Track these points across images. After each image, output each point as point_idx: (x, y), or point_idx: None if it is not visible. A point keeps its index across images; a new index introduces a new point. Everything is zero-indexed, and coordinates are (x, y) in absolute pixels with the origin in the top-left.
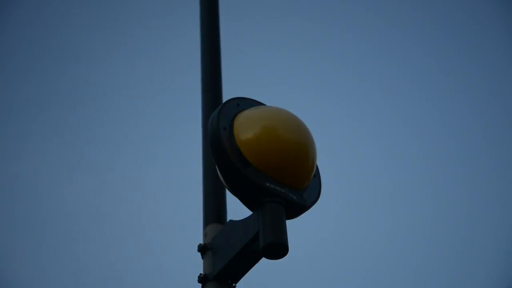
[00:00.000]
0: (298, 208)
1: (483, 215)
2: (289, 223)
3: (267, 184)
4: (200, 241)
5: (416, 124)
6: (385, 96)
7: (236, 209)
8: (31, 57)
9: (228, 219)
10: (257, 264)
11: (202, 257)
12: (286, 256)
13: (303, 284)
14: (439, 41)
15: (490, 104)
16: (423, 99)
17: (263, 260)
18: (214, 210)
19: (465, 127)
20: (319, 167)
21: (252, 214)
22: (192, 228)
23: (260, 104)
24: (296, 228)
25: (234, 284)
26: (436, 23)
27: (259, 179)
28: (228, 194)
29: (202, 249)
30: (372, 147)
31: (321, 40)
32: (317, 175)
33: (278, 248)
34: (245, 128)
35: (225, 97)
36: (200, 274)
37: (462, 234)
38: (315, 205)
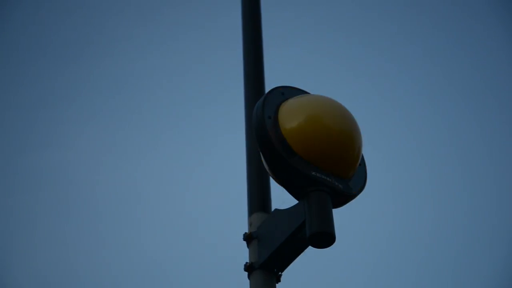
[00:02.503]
0: (344, 197)
1: (484, 214)
2: (335, 211)
3: (313, 173)
4: (245, 230)
5: (418, 124)
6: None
7: (282, 198)
8: (72, 43)
9: (273, 208)
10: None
11: (248, 246)
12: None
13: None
14: (442, 41)
15: (491, 103)
16: (424, 100)
17: (309, 248)
18: (258, 199)
19: (465, 126)
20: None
21: (298, 203)
22: (237, 217)
23: (304, 92)
24: (342, 217)
25: (280, 273)
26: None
27: (305, 168)
28: (272, 183)
29: (247, 238)
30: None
31: (367, 28)
32: (363, 164)
33: (325, 237)
34: (290, 117)
35: (268, 86)
36: (246, 262)
37: (464, 232)
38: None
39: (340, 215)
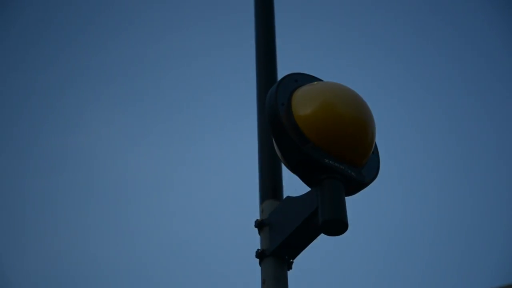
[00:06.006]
0: (357, 185)
1: (490, 212)
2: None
3: (326, 161)
4: (257, 217)
5: (423, 123)
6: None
7: (294, 186)
8: (101, 27)
9: (285, 195)
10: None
11: (259, 233)
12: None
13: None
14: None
15: (499, 104)
16: (437, 94)
17: (322, 236)
18: (270, 186)
19: (473, 126)
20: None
21: (310, 190)
22: (249, 204)
23: (318, 79)
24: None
25: (291, 260)
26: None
27: (318, 155)
28: (284, 170)
29: (259, 225)
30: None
31: (380, 15)
32: (376, 152)
33: (337, 225)
34: (303, 104)
35: (281, 73)
36: (258, 249)
37: (471, 227)
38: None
39: (353, 203)
